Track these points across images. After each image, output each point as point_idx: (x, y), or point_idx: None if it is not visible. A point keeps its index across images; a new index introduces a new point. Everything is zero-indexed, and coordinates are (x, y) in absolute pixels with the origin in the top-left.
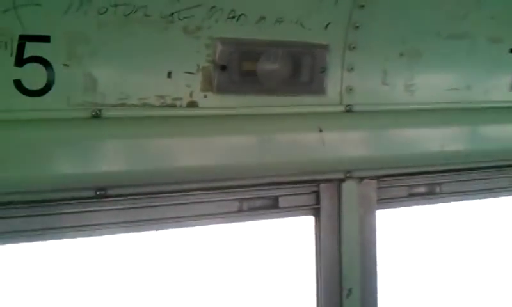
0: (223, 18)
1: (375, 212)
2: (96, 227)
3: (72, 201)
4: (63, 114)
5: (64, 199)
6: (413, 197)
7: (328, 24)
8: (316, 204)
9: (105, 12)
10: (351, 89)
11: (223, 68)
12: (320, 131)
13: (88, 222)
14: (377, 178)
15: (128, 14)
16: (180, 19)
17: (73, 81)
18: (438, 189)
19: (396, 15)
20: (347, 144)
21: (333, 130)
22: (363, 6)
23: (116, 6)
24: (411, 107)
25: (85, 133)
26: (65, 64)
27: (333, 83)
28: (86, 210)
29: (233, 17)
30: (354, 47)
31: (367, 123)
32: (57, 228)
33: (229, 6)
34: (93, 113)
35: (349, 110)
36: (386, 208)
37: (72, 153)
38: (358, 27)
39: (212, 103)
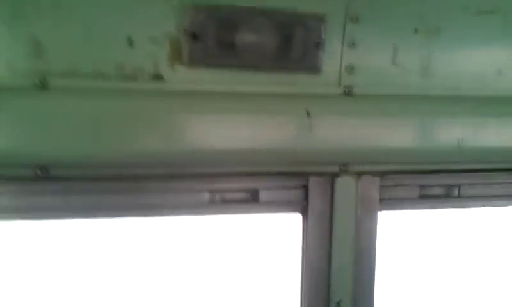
0: None
1: (376, 214)
2: (37, 210)
3: (9, 180)
4: (2, 82)
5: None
6: (425, 199)
7: None
8: (304, 201)
9: None
10: (352, 69)
11: (195, 36)
12: (308, 115)
13: (27, 204)
14: (381, 174)
15: None
16: None
17: (14, 44)
18: (456, 192)
19: None
20: (344, 132)
21: (327, 115)
22: None
23: None
24: (426, 92)
25: (27, 104)
26: (6, 24)
27: (330, 60)
28: (25, 190)
29: None
30: (357, 18)
31: (369, 109)
32: None
33: None
34: (38, 82)
35: (348, 92)
36: (389, 209)
37: (10, 125)
38: None
39: (181, 77)
